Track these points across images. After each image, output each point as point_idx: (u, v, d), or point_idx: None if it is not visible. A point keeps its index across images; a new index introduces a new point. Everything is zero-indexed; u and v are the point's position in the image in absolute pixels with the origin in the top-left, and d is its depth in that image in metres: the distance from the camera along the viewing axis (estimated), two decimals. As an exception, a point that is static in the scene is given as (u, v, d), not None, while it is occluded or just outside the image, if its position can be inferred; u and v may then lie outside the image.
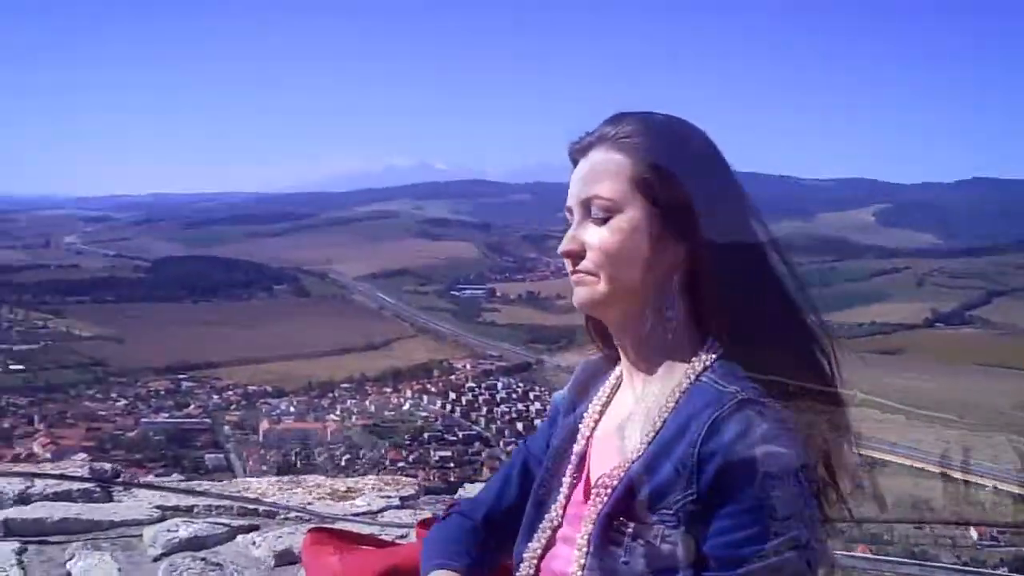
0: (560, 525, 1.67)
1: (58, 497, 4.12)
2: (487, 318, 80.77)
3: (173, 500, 4.19)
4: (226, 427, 54.68)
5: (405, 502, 4.49)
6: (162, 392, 60.95)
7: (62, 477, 4.28)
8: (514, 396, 59.35)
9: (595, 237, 1.56)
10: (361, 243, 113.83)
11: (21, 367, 66.69)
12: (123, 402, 58.59)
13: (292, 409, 57.41)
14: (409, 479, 5.17)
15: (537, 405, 61.57)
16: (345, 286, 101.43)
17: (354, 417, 54.15)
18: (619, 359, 1.72)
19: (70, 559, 3.45)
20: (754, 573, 1.39)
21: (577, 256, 1.59)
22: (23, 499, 4.07)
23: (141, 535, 3.63)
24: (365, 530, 3.43)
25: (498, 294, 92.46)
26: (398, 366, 62.69)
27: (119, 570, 3.33)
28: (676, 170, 1.54)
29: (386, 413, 53.51)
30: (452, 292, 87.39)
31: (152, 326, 75.24)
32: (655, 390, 1.59)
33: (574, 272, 1.60)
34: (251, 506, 4.07)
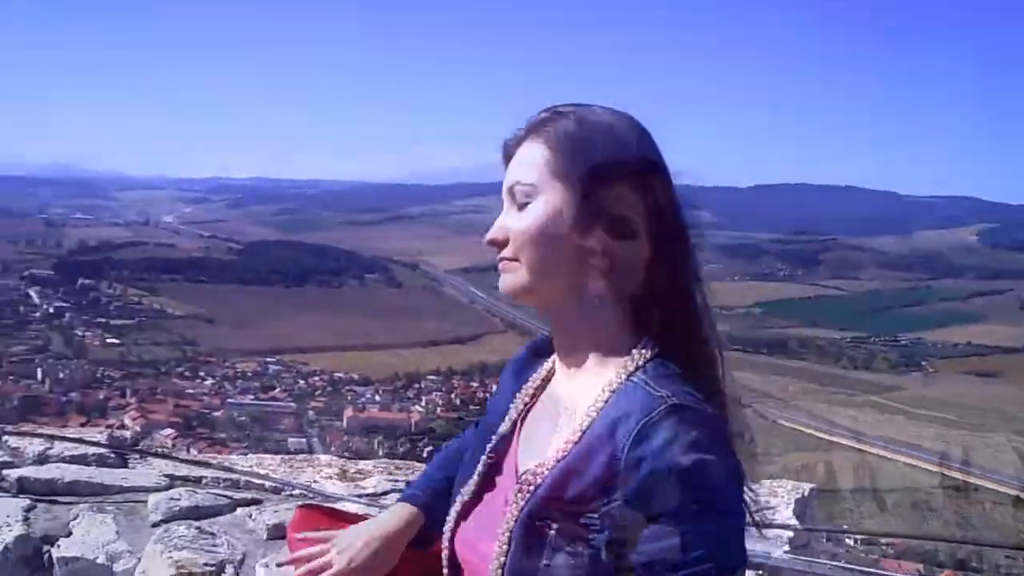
0: (472, 501, 1.64)
1: (74, 460, 4.24)
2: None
3: (184, 470, 4.28)
4: (310, 412, 55.37)
5: (410, 486, 4.40)
6: (249, 374, 62.05)
7: (80, 441, 4.42)
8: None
9: (515, 222, 1.53)
10: (454, 237, 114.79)
11: (117, 341, 68.48)
12: (210, 381, 59.76)
13: (377, 398, 57.95)
14: (421, 464, 5.05)
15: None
16: (436, 278, 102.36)
17: (439, 409, 54.41)
18: None
19: (74, 519, 3.56)
20: None
21: (502, 244, 1.55)
22: (41, 459, 4.21)
23: (146, 501, 3.72)
24: (364, 511, 3.30)
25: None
26: (486, 361, 62.64)
27: (117, 532, 3.44)
28: (597, 158, 1.49)
29: (471, 407, 53.59)
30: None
31: (242, 308, 76.67)
32: (585, 385, 1.52)
33: (499, 260, 1.56)
34: (257, 481, 4.12)
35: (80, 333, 69.56)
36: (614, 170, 1.49)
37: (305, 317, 75.60)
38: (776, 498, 3.61)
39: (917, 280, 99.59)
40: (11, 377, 58.10)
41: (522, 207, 1.53)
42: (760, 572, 3.05)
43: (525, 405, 1.68)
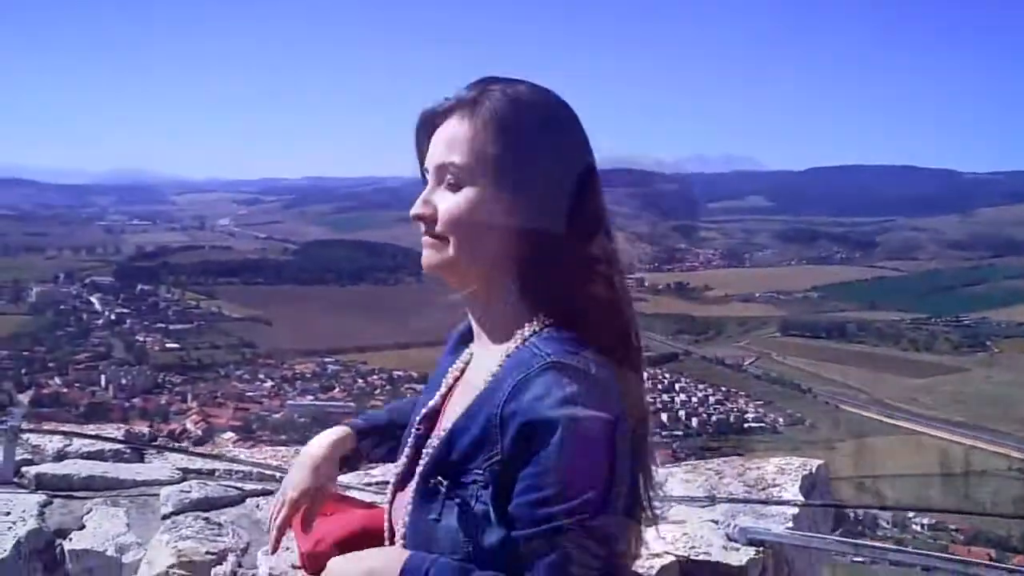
0: (404, 473, 1.70)
1: (91, 456, 4.34)
2: (635, 308, 79.88)
3: (198, 464, 4.35)
4: (370, 411, 55.69)
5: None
6: (308, 375, 62.43)
7: (97, 438, 4.50)
8: (660, 387, 58.98)
9: (447, 203, 1.57)
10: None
11: (177, 346, 69.36)
12: (270, 383, 60.25)
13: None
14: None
15: (682, 396, 61.26)
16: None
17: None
18: None
19: (87, 513, 3.64)
20: (541, 535, 1.40)
21: (429, 220, 1.60)
22: (59, 456, 4.30)
23: (159, 495, 3.78)
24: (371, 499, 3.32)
25: (646, 284, 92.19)
26: (544, 357, 62.72)
27: (127, 525, 3.51)
28: (525, 144, 1.55)
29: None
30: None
31: (299, 309, 77.27)
32: (493, 357, 1.59)
33: (425, 234, 1.60)
34: (269, 472, 4.18)
35: (141, 339, 70.54)
36: (545, 159, 1.56)
37: (363, 316, 75.93)
38: (783, 475, 3.56)
39: (979, 259, 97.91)
40: (77, 384, 59.20)
41: (452, 187, 1.57)
42: (762, 548, 3.00)
43: (455, 380, 1.76)
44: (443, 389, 1.77)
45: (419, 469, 1.60)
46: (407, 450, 1.73)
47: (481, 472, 1.47)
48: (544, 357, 1.46)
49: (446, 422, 1.64)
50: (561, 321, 1.56)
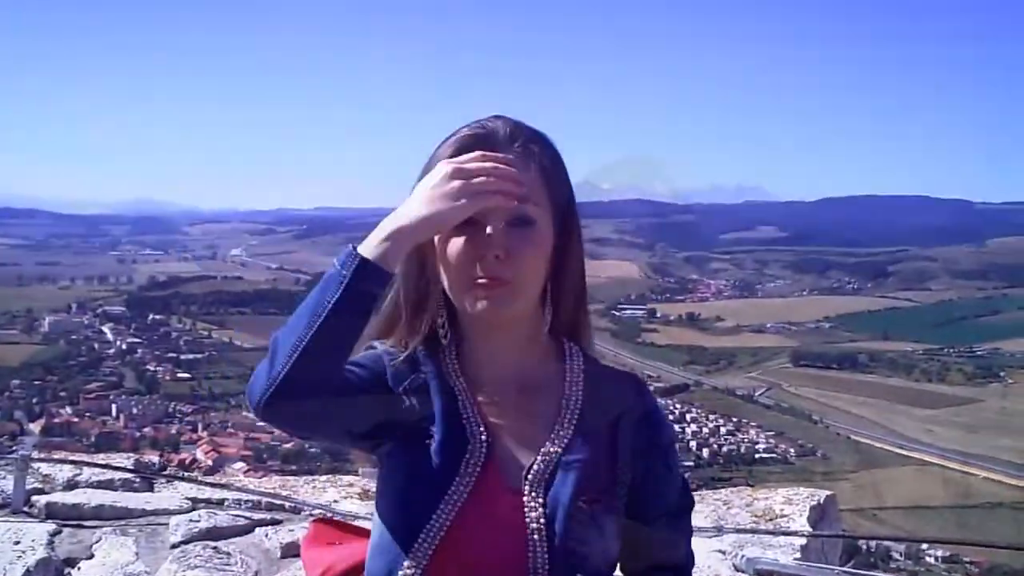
0: (464, 502, 1.58)
1: (101, 485, 4.36)
2: (646, 338, 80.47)
3: (207, 493, 4.36)
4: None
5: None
6: (319, 405, 62.28)
7: (107, 467, 4.51)
8: (671, 417, 58.54)
9: (521, 245, 1.57)
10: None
11: (188, 376, 69.36)
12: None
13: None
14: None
15: (693, 427, 61.00)
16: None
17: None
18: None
19: (96, 542, 3.65)
20: (687, 518, 1.75)
21: (502, 261, 1.57)
22: (70, 485, 4.32)
23: (168, 524, 3.79)
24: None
25: (658, 315, 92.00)
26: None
27: (136, 554, 3.51)
28: (569, 189, 1.68)
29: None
30: (613, 312, 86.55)
31: (312, 338, 76.85)
32: (543, 371, 1.68)
33: (492, 278, 1.57)
34: (278, 502, 4.20)
35: (152, 368, 70.58)
36: (573, 201, 1.68)
37: (374, 345, 75.85)
38: (791, 506, 3.55)
39: (992, 289, 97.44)
40: (88, 414, 59.24)
41: (521, 223, 1.58)
42: (769, 579, 2.99)
43: (475, 405, 1.67)
44: (477, 421, 1.65)
45: (567, 491, 1.56)
46: (462, 489, 1.59)
47: (613, 485, 1.60)
48: (632, 373, 1.70)
49: (513, 445, 1.64)
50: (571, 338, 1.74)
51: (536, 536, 1.53)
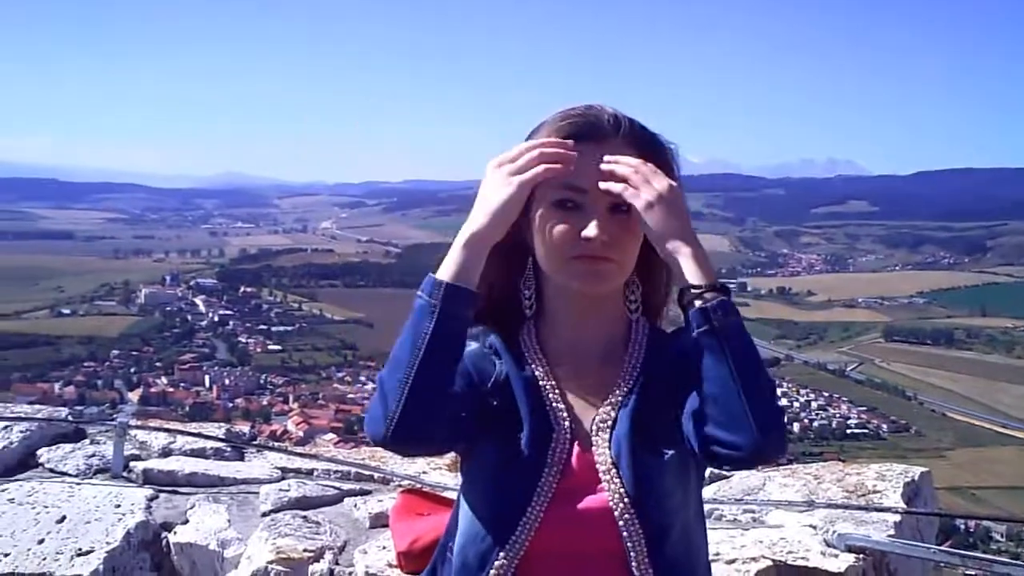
0: (559, 480, 1.60)
1: (194, 453, 4.45)
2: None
3: (297, 463, 4.39)
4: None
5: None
6: (409, 377, 62.82)
7: (200, 436, 4.59)
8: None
9: (622, 230, 1.60)
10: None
11: (279, 348, 70.54)
12: (371, 385, 60.76)
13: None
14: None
15: (784, 401, 60.50)
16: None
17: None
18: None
19: (190, 508, 3.72)
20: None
21: (607, 244, 1.59)
22: (165, 453, 4.42)
23: (258, 492, 3.84)
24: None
25: (749, 289, 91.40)
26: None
27: (228, 521, 3.57)
28: (667, 166, 1.65)
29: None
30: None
31: (401, 311, 76.26)
32: (620, 348, 1.70)
33: (599, 257, 1.59)
34: (367, 472, 4.20)
35: (243, 340, 72.00)
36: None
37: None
38: (884, 482, 3.48)
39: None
40: (182, 384, 60.69)
41: (621, 210, 1.59)
42: (862, 556, 2.94)
43: (554, 387, 1.69)
44: (562, 407, 1.68)
45: (625, 429, 1.61)
46: (560, 456, 1.63)
47: (676, 421, 1.59)
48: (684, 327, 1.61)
49: (583, 412, 1.66)
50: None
51: (607, 477, 1.58)
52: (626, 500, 1.56)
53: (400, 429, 1.50)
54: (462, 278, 1.53)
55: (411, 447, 1.63)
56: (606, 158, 1.59)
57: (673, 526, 1.59)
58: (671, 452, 1.59)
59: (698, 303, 1.50)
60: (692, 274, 1.52)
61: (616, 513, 1.56)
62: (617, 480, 1.57)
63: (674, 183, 1.57)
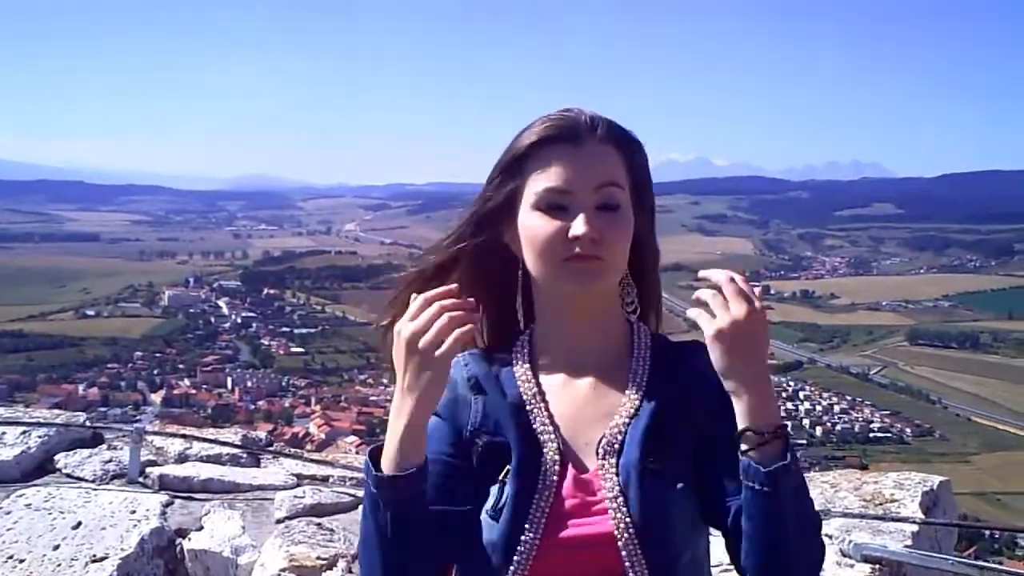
0: (552, 502, 1.57)
1: (210, 459, 4.47)
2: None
3: (313, 469, 4.43)
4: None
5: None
6: (432, 380, 62.88)
7: (215, 442, 4.63)
8: (784, 395, 58.12)
9: (610, 227, 1.59)
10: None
11: (301, 350, 70.72)
12: (393, 388, 60.87)
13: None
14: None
15: (807, 405, 60.26)
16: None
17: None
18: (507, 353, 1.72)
19: (205, 514, 3.75)
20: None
21: (597, 242, 1.58)
22: (181, 459, 4.45)
23: (274, 499, 3.86)
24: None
25: (772, 291, 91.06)
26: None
27: (242, 528, 3.59)
28: (644, 165, 1.69)
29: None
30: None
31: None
32: (615, 355, 1.68)
33: (587, 256, 1.58)
34: None
35: (266, 342, 72.22)
36: (650, 183, 1.72)
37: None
38: (902, 491, 3.45)
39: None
40: (205, 386, 60.94)
41: (607, 208, 1.60)
42: (878, 566, 2.92)
43: (541, 399, 1.66)
44: (542, 414, 1.64)
45: (635, 452, 1.56)
46: (553, 477, 1.59)
47: (686, 447, 1.58)
48: (696, 343, 1.61)
49: (583, 428, 1.63)
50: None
51: (614, 505, 1.53)
52: (631, 531, 1.51)
53: None
54: (406, 464, 1.49)
55: None
56: (701, 273, 1.59)
57: (681, 557, 1.55)
58: (682, 484, 1.55)
59: (753, 455, 1.43)
60: (746, 417, 1.46)
61: (620, 543, 1.52)
62: (624, 509, 1.53)
63: (757, 308, 1.51)
